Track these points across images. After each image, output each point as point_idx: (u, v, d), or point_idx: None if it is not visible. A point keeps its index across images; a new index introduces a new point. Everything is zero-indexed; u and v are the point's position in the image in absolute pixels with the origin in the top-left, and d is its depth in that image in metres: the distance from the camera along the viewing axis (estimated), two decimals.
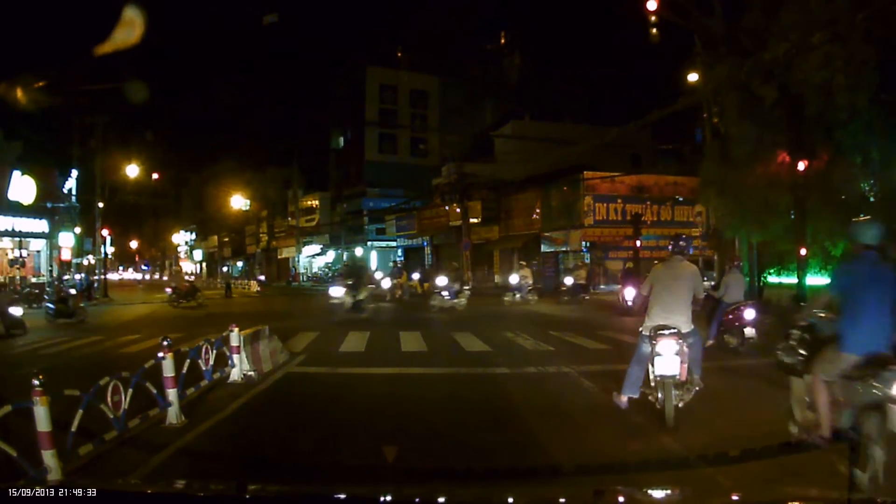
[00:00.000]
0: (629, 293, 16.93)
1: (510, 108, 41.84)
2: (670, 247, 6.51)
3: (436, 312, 19.21)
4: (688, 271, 6.20)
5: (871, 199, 15.60)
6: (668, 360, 5.79)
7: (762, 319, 10.38)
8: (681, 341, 5.83)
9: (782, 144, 15.80)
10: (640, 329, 6.22)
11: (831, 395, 4.39)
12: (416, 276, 30.55)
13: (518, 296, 22.62)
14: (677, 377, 5.81)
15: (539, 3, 67.88)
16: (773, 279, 19.83)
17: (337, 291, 18.81)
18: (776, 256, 19.11)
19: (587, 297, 23.03)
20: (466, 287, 21.38)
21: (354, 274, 19.41)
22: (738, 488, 3.60)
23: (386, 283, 26.27)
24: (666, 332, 5.87)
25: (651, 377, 6.08)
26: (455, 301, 20.03)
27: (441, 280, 21.50)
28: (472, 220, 35.46)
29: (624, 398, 6.24)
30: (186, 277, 35.31)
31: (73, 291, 20.28)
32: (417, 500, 2.45)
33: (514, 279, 23.91)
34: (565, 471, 4.65)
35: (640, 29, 16.42)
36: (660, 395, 5.89)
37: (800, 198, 15.60)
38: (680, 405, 5.84)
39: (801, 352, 4.86)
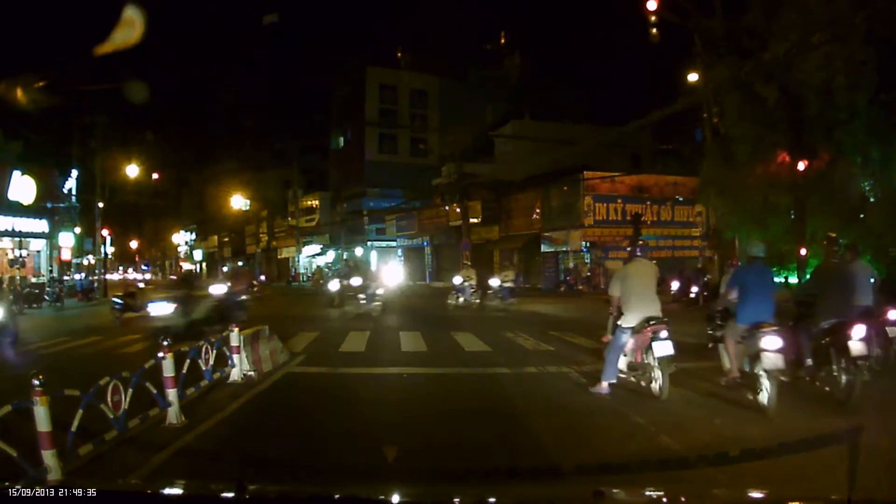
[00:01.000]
0: None
1: (510, 108, 41.87)
2: (631, 250, 7.64)
3: (351, 320, 17.05)
4: (653, 268, 7.44)
5: (871, 200, 15.60)
6: (666, 343, 6.73)
7: None
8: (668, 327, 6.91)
9: (782, 144, 15.80)
10: (619, 322, 7.17)
11: (739, 350, 6.75)
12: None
13: (461, 298, 20.91)
14: (672, 356, 6.82)
15: (539, 3, 67.96)
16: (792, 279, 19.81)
17: (160, 309, 13.05)
18: (776, 256, 19.11)
19: (515, 301, 21.16)
20: (380, 290, 19.17)
21: (187, 283, 14.78)
22: (738, 488, 3.60)
23: (334, 286, 21.96)
24: (655, 321, 6.91)
25: (625, 362, 7.26)
26: (372, 306, 18.04)
27: (355, 281, 19.28)
28: (472, 220, 35.47)
29: (605, 384, 7.12)
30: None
31: (141, 286, 20.74)
32: (418, 500, 2.45)
33: (457, 280, 21.74)
34: (565, 471, 4.65)
35: (640, 29, 16.44)
36: (656, 374, 6.83)
37: (800, 198, 15.61)
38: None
39: (720, 323, 7.44)
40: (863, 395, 6.28)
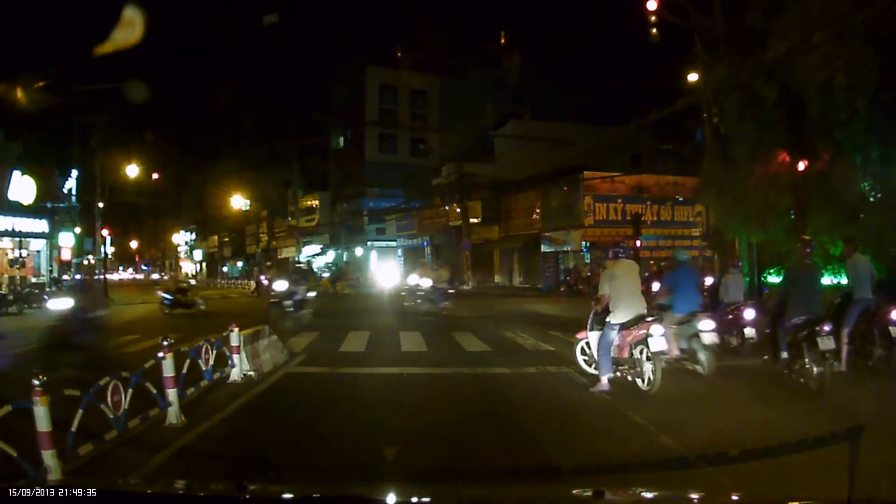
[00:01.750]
0: None
1: (510, 108, 41.85)
2: (616, 252, 8.04)
3: (350, 321, 15.85)
4: (636, 268, 8.05)
5: (871, 199, 15.56)
6: (662, 339, 7.07)
7: (762, 319, 10.39)
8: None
9: (782, 144, 15.76)
10: (608, 319, 7.49)
11: (676, 335, 7.96)
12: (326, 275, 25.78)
13: (419, 301, 18.49)
14: (667, 352, 7.26)
15: (539, 3, 67.97)
16: (773, 279, 19.79)
17: None
18: (776, 256, 19.07)
19: (449, 305, 18.28)
20: (311, 294, 16.64)
21: None
22: (738, 488, 3.60)
23: (280, 285, 16.88)
24: (652, 318, 7.32)
25: (620, 356, 7.60)
26: (299, 314, 15.43)
27: (280, 285, 16.06)
28: (472, 220, 35.47)
29: (604, 380, 7.35)
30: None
31: (192, 282, 20.44)
32: (417, 500, 2.45)
33: (411, 281, 18.86)
34: (565, 471, 4.65)
35: (640, 29, 16.43)
36: (646, 369, 7.16)
37: (800, 198, 15.58)
38: None
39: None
40: (836, 386, 6.91)
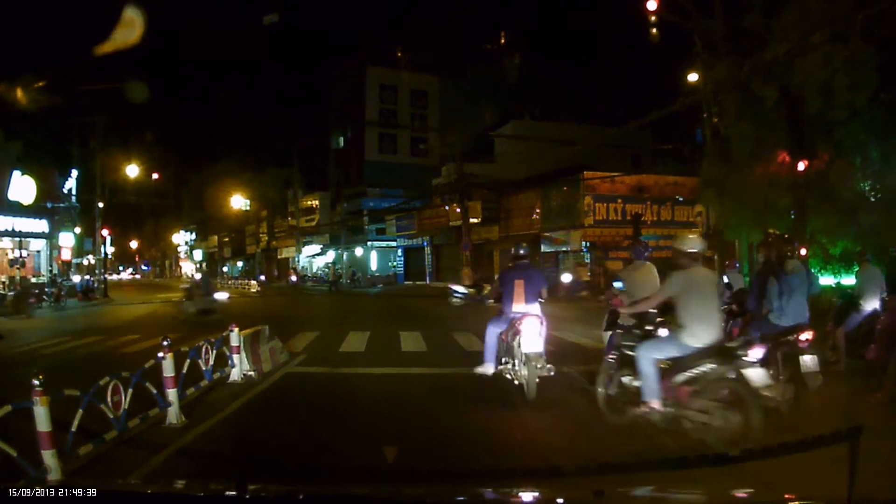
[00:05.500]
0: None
1: (510, 108, 41.80)
2: (639, 251, 7.87)
3: (352, 320, 14.36)
4: (654, 269, 7.78)
5: (871, 199, 15.56)
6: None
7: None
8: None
9: (782, 144, 15.77)
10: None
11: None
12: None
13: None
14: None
15: (539, 3, 68.00)
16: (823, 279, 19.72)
17: None
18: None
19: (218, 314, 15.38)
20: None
21: None
22: (738, 488, 3.60)
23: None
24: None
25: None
26: None
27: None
28: (472, 220, 35.45)
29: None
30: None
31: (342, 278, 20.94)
32: (417, 500, 2.45)
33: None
34: (565, 471, 4.65)
35: (641, 29, 16.43)
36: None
37: (800, 198, 15.58)
38: None
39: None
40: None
